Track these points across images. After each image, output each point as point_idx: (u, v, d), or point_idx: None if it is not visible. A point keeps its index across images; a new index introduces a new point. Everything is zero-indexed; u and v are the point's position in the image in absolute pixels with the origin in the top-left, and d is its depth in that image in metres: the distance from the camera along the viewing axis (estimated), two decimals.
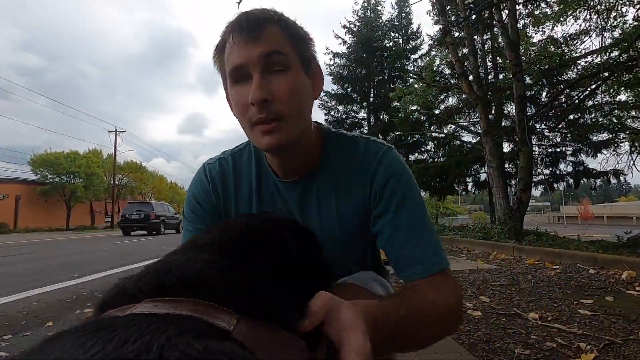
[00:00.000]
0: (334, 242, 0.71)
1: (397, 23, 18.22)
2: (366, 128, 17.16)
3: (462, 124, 12.21)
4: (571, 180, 10.93)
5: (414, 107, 11.90)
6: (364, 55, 16.67)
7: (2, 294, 3.42)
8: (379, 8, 18.31)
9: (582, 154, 10.48)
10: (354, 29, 17.59)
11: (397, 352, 0.65)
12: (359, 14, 18.06)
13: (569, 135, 10.41)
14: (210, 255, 0.40)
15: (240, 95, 0.63)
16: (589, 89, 7.54)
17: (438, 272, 0.63)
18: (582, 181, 11.08)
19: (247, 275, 0.38)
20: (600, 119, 9.24)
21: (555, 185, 11.38)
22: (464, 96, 11.04)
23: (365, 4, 18.21)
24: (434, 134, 13.40)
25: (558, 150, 10.93)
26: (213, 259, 0.38)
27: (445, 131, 12.94)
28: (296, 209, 0.75)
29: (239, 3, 4.62)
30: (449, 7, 9.41)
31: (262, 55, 0.60)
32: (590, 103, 8.88)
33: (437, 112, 12.48)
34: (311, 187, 0.74)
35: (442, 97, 12.55)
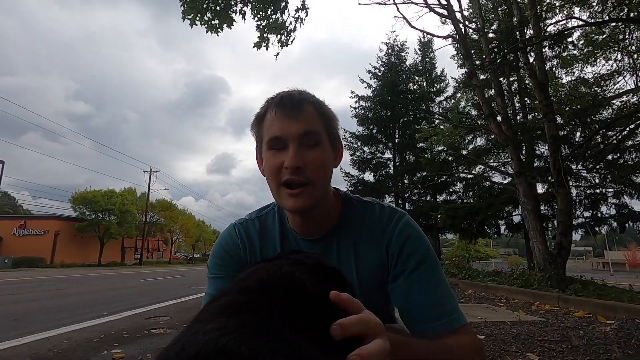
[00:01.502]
0: None
1: (421, 67, 18.68)
2: (392, 168, 17.10)
3: (491, 164, 11.92)
4: (615, 224, 10.20)
5: (441, 148, 11.81)
6: (389, 98, 17.02)
7: (35, 330, 3.48)
8: (403, 54, 18.97)
9: (625, 196, 9.86)
10: (379, 74, 18.16)
11: None
12: (384, 59, 18.73)
13: (608, 176, 9.88)
14: (223, 320, 0.39)
15: (274, 159, 0.72)
16: (627, 129, 7.24)
17: (456, 328, 0.68)
18: (627, 225, 10.31)
19: (267, 334, 0.36)
20: None
21: (597, 228, 10.63)
22: (492, 136, 10.88)
23: (390, 50, 18.94)
24: (462, 175, 13.11)
25: (598, 191, 10.34)
26: (224, 324, 0.37)
27: (474, 172, 12.65)
28: None
29: (276, 56, 4.92)
30: (473, 50, 9.59)
31: (300, 132, 0.71)
32: (630, 143, 8.49)
33: (464, 152, 12.31)
34: (332, 246, 0.81)
35: (470, 137, 12.43)
